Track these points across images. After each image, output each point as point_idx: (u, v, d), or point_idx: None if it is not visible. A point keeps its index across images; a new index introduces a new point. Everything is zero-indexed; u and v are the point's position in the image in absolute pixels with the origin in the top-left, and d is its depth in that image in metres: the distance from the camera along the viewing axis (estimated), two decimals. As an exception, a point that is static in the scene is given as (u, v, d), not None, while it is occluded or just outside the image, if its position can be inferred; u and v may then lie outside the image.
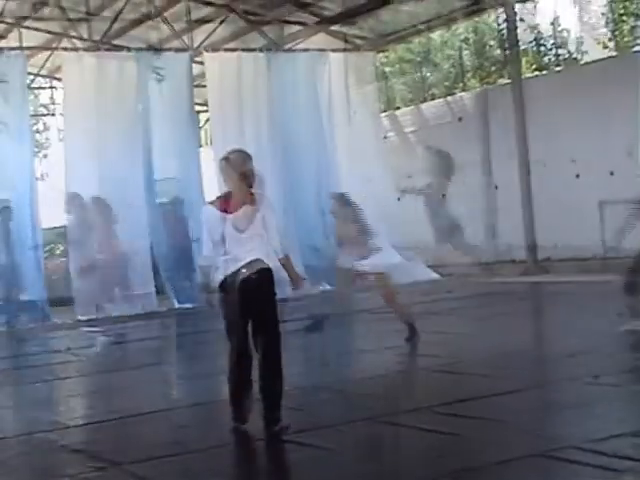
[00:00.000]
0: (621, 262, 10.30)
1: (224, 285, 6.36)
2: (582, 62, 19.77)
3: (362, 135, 19.83)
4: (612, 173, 16.46)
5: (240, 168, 6.39)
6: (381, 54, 21.26)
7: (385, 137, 21.58)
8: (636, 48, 15.81)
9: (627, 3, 19.29)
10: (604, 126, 16.62)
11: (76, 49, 18.17)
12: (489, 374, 7.99)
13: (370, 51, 20.64)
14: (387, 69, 23.55)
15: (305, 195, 18.71)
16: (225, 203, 6.42)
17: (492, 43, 21.50)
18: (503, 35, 18.42)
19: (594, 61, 18.53)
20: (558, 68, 19.88)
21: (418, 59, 21.95)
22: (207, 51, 18.83)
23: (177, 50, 18.71)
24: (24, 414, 8.27)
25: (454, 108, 21.02)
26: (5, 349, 13.57)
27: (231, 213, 6.35)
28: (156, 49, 18.97)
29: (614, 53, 17.65)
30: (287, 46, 19.82)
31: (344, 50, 20.16)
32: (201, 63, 19.05)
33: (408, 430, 6.25)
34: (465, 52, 22.16)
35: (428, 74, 21.71)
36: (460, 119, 20.66)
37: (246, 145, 18.54)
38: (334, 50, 19.99)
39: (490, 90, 21.31)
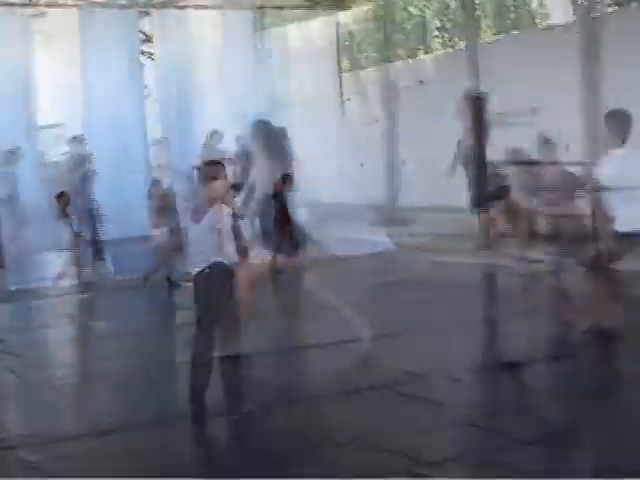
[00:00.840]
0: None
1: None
2: (543, 26, 18.86)
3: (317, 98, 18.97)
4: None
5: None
6: (343, 12, 20.27)
7: (347, 99, 20.77)
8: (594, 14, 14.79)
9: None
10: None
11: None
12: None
13: (330, 9, 19.70)
14: (353, 27, 22.62)
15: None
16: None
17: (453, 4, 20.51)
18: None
19: (553, 25, 17.80)
20: (515, 32, 19.01)
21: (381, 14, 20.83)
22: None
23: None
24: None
25: (415, 71, 20.21)
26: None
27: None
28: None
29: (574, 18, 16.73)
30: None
31: (302, 7, 19.25)
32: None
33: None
34: (429, 12, 21.22)
35: (392, 34, 20.75)
36: (421, 82, 19.90)
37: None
38: (293, 8, 19.07)
39: (450, 54, 20.47)
